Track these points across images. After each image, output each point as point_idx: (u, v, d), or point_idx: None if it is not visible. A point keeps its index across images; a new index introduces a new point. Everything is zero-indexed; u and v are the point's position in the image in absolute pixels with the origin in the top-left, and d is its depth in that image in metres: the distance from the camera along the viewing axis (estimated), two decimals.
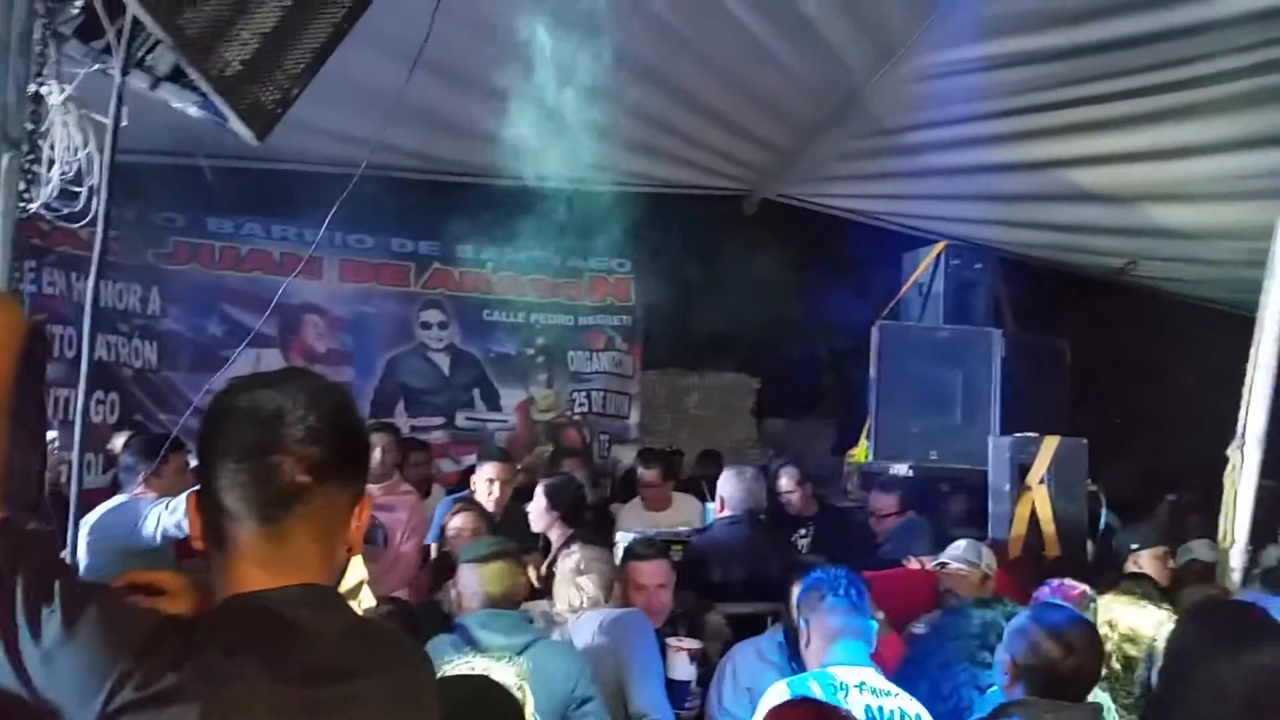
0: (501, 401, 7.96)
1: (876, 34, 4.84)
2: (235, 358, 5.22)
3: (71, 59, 1.98)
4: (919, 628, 3.97)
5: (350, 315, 7.58)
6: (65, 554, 2.10)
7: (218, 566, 1.34)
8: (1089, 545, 5.12)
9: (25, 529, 1.39)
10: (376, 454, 5.23)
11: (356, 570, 2.37)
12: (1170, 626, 2.98)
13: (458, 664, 2.29)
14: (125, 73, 1.89)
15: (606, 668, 3.32)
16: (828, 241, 7.58)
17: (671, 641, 3.55)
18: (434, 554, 4.91)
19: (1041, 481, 5.03)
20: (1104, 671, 3.05)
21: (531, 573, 4.01)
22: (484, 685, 2.11)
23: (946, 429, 6.28)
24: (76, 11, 1.92)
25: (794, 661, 3.45)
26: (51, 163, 1.97)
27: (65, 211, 2.07)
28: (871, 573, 4.74)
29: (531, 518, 4.64)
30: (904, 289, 7.19)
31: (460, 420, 7.81)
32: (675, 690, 3.45)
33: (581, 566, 3.61)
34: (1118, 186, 6.06)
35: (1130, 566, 4.81)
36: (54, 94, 1.93)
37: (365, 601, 2.35)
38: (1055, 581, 3.53)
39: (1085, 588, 3.46)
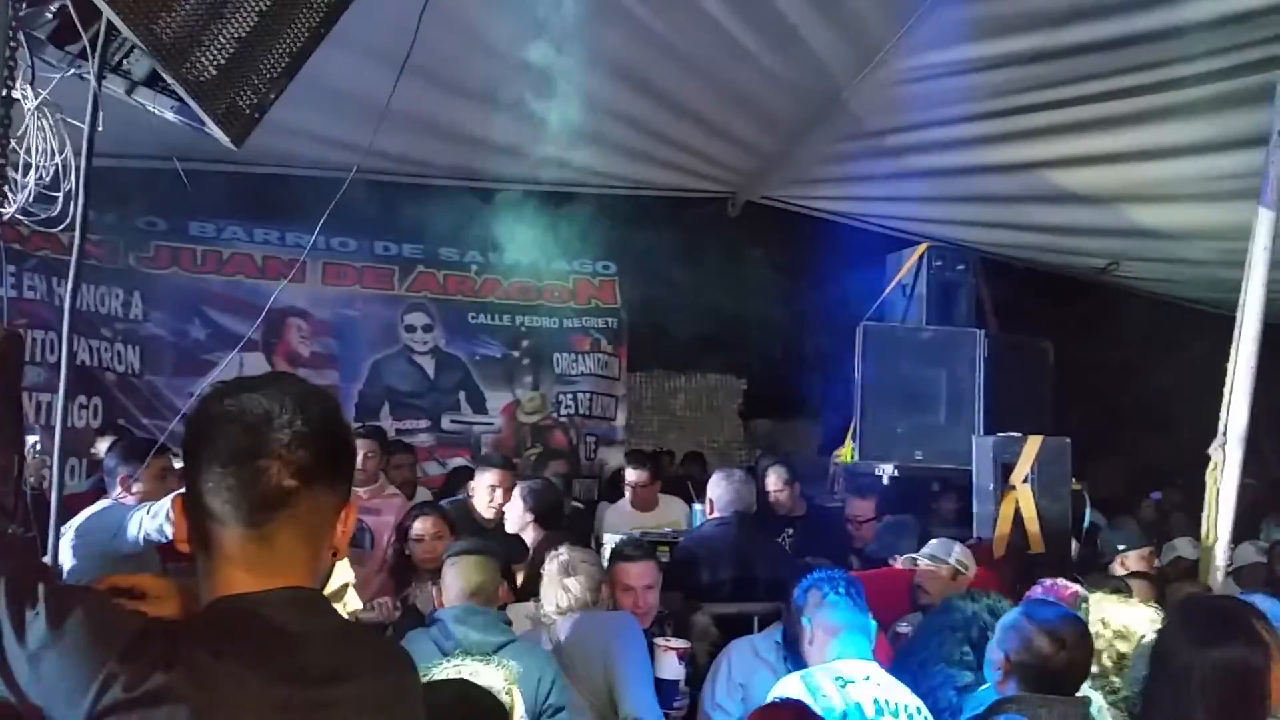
0: (487, 404, 7.96)
1: (857, 36, 4.85)
2: (223, 366, 5.23)
3: (47, 64, 1.97)
4: (903, 627, 3.99)
5: (334, 318, 7.57)
6: (47, 558, 2.09)
7: (204, 569, 1.34)
8: (1073, 544, 5.15)
9: (5, 533, 1.39)
10: (361, 458, 5.23)
11: (342, 573, 2.37)
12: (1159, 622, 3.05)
13: (446, 667, 2.29)
14: (101, 78, 1.88)
15: (595, 669, 3.33)
16: (812, 243, 7.59)
17: (660, 641, 3.55)
18: (389, 556, 4.87)
19: (1025, 480, 5.05)
20: (1094, 669, 3.09)
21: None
22: (467, 690, 2.11)
23: (931, 429, 6.30)
24: (51, 16, 1.91)
25: (790, 661, 3.47)
26: (28, 167, 1.97)
27: (43, 216, 2.06)
28: (856, 572, 4.78)
29: (508, 519, 4.65)
30: (888, 290, 7.21)
31: (446, 423, 7.80)
32: (664, 690, 3.46)
33: (569, 568, 3.60)
34: (1098, 188, 6.10)
35: (1117, 567, 4.85)
36: (29, 99, 1.93)
37: (350, 604, 2.34)
38: (1048, 581, 3.55)
39: (1078, 588, 3.48)
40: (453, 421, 7.84)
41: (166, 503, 3.52)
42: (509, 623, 3.33)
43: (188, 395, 5.10)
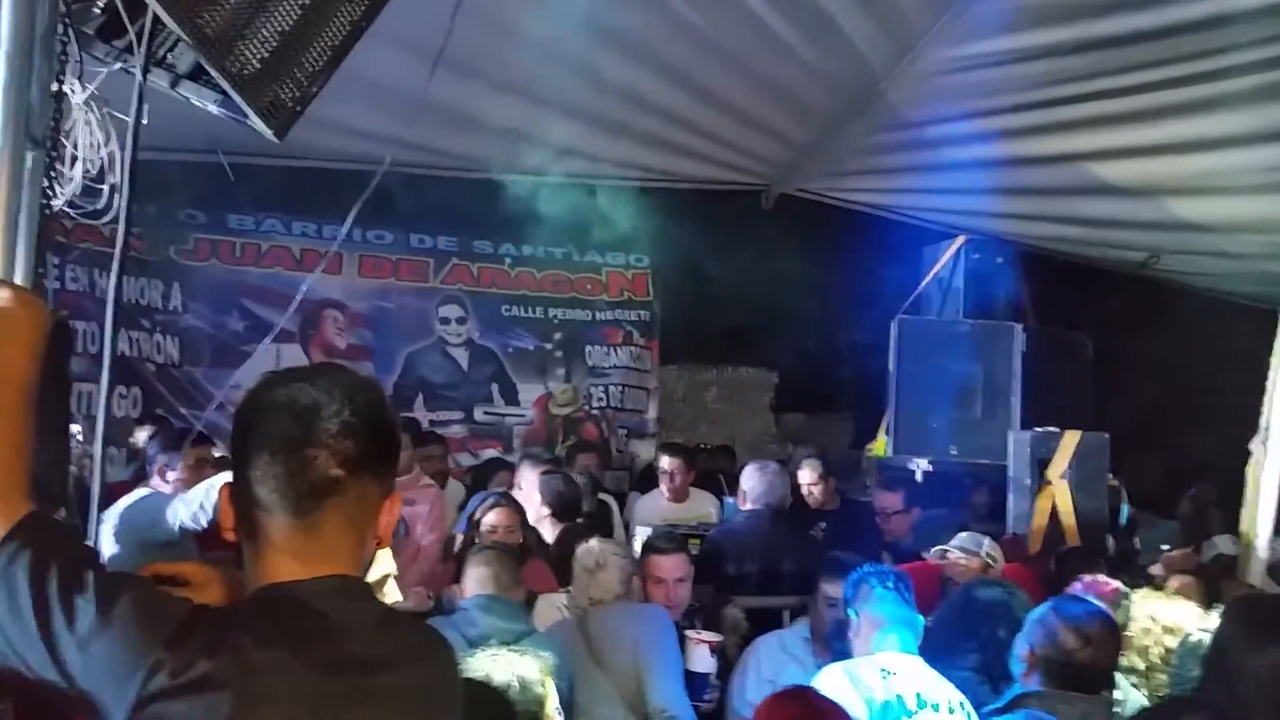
0: (520, 396, 8.00)
1: (895, 27, 4.81)
2: (258, 354, 5.29)
3: (94, 58, 2.00)
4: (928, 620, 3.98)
5: (369, 311, 7.63)
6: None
7: (250, 557, 1.36)
8: (1109, 540, 5.09)
9: (55, 520, 1.42)
10: None
11: (384, 564, 2.39)
12: (1210, 621, 3.01)
13: (481, 657, 2.30)
14: (146, 71, 1.90)
15: (625, 661, 3.34)
16: (846, 236, 7.55)
17: (691, 634, 3.56)
18: (458, 545, 4.92)
19: (1062, 476, 5.01)
20: (1141, 665, 3.06)
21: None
22: (473, 689, 2.10)
23: (966, 423, 6.25)
24: (98, 11, 1.94)
25: (818, 656, 3.46)
26: (74, 161, 1.99)
27: (88, 209, 2.09)
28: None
29: (528, 511, 4.68)
30: (924, 283, 7.16)
31: (479, 415, 7.85)
32: (695, 682, 3.46)
33: (600, 560, 3.62)
34: (1140, 180, 6.01)
35: (1160, 568, 4.80)
36: (77, 93, 1.95)
37: (390, 595, 2.36)
38: (1088, 578, 3.52)
39: (1118, 584, 3.45)
40: (485, 413, 7.89)
41: (201, 491, 3.56)
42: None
43: (226, 386, 5.17)
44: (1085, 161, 5.88)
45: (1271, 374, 4.12)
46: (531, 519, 4.59)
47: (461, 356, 7.87)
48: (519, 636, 3.11)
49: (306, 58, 1.94)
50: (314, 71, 1.96)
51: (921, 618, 3.17)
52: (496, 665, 2.26)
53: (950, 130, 5.75)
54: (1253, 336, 4.57)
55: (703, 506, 5.81)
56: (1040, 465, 5.06)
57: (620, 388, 8.28)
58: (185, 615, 1.25)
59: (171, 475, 4.15)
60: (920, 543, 4.94)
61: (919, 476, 6.00)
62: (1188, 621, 3.13)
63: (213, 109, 2.03)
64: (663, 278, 8.36)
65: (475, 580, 3.38)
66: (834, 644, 3.43)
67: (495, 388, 7.95)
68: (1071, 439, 5.05)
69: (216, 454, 4.31)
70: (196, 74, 2.00)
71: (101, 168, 2.08)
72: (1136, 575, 4.00)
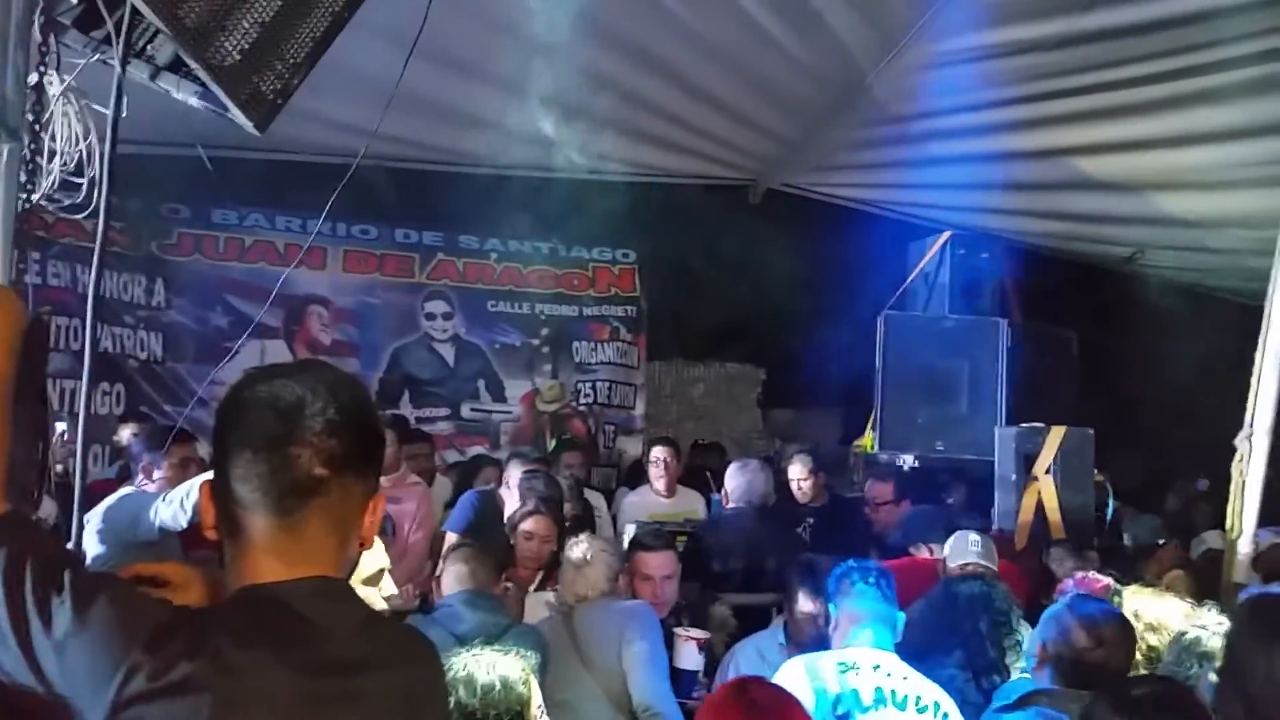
0: (506, 392, 7.96)
1: (881, 22, 4.80)
2: (238, 349, 5.25)
3: (71, 49, 1.97)
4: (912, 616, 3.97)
5: (354, 306, 7.58)
6: (70, 545, 2.10)
7: (231, 557, 1.34)
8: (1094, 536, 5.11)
9: (32, 519, 1.39)
10: None
11: (379, 559, 2.37)
12: (1198, 617, 3.04)
13: (464, 656, 2.29)
14: (125, 63, 1.88)
15: (611, 658, 3.34)
16: (833, 231, 7.54)
17: (679, 631, 3.56)
18: (446, 545, 4.90)
19: (1048, 471, 5.03)
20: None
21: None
22: None
23: (952, 419, 6.27)
24: (76, 2, 1.91)
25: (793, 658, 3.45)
26: (52, 154, 1.97)
27: (67, 203, 2.06)
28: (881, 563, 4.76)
29: (507, 511, 4.68)
30: (910, 278, 7.17)
31: (465, 411, 7.81)
32: (682, 680, 3.46)
33: (587, 557, 3.61)
34: (1125, 175, 6.03)
35: (1152, 564, 4.81)
36: (54, 84, 1.93)
37: (386, 589, 2.35)
38: (1079, 574, 3.52)
39: (1109, 580, 3.45)
40: (472, 410, 7.85)
41: (182, 491, 3.53)
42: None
43: (210, 383, 5.12)
44: (1070, 157, 5.89)
45: (1256, 369, 4.13)
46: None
47: (448, 352, 7.83)
48: (504, 629, 3.17)
49: (287, 49, 1.92)
50: (295, 63, 1.93)
51: (902, 614, 3.17)
52: (479, 665, 2.24)
53: (936, 125, 5.76)
54: (1238, 332, 4.59)
55: (690, 504, 5.80)
56: (1026, 461, 5.07)
57: (608, 384, 8.25)
58: (165, 617, 1.23)
59: (158, 474, 4.11)
60: (909, 538, 4.95)
61: (905, 471, 6.01)
62: (1173, 619, 3.13)
63: (193, 101, 2.01)
64: (650, 273, 8.34)
65: (454, 577, 3.44)
66: (810, 650, 3.42)
67: (482, 384, 7.91)
68: (1057, 434, 5.07)
69: (202, 452, 4.28)
70: (176, 66, 1.98)
71: (80, 161, 2.05)
72: (1125, 570, 4.00)
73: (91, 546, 3.66)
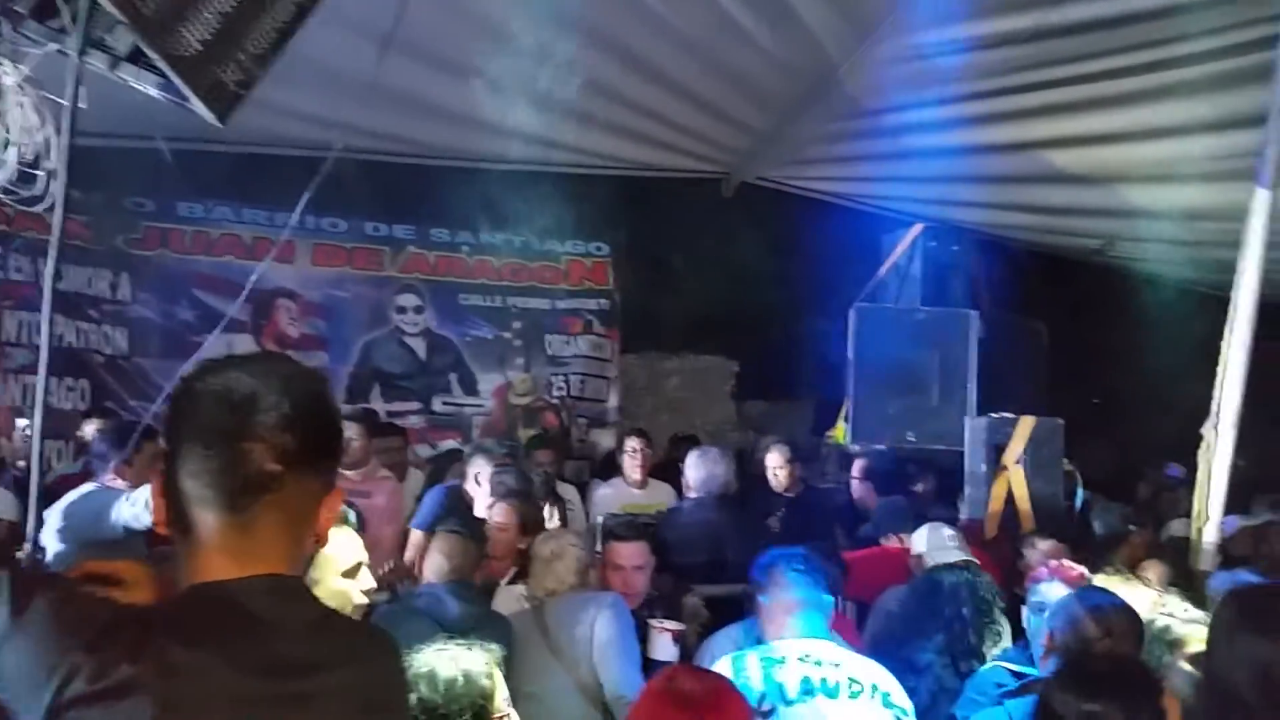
0: (479, 386, 7.91)
1: (853, 14, 4.81)
2: (208, 344, 5.17)
3: (28, 39, 1.93)
4: (892, 604, 3.99)
5: (324, 300, 7.50)
6: (28, 542, 2.06)
7: (182, 554, 1.29)
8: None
9: None
10: (344, 441, 5.20)
11: (356, 551, 2.35)
12: (1166, 604, 3.08)
13: (427, 652, 2.27)
14: (82, 53, 1.84)
15: (582, 650, 3.33)
16: (806, 224, 7.56)
17: (654, 623, 3.55)
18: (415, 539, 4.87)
19: (1018, 462, 5.06)
20: None
21: None
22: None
23: (923, 410, 6.30)
24: None
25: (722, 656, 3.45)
26: (8, 145, 1.93)
27: (24, 194, 2.02)
28: (850, 553, 4.79)
29: (477, 505, 4.66)
30: (882, 271, 7.20)
31: (437, 405, 7.76)
32: (657, 671, 3.45)
33: (556, 550, 3.61)
34: (1094, 168, 6.08)
35: (1123, 549, 4.85)
36: (9, 74, 1.88)
37: (364, 582, 2.32)
38: (1054, 563, 3.54)
39: (1083, 569, 3.48)
40: (444, 404, 7.80)
41: (146, 490, 3.48)
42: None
43: (175, 378, 5.05)
44: (1041, 149, 5.93)
45: (1222, 360, 4.18)
46: (481, 510, 4.55)
47: (419, 346, 7.77)
48: (480, 619, 3.22)
49: (250, 40, 1.88)
50: (258, 54, 1.90)
51: (831, 598, 3.14)
52: (442, 660, 2.22)
53: (907, 118, 5.78)
54: (1205, 322, 4.64)
55: (663, 496, 5.80)
56: (996, 451, 5.10)
57: (580, 377, 8.23)
58: (109, 617, 1.19)
59: (129, 472, 4.03)
60: (879, 529, 4.97)
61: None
62: (1141, 607, 3.16)
63: (153, 92, 1.97)
64: (623, 266, 8.31)
65: (440, 563, 3.45)
66: None
67: (454, 378, 7.86)
68: (1026, 425, 5.10)
69: None
70: (136, 56, 1.94)
71: (38, 153, 2.01)
72: (1095, 559, 4.04)
73: (51, 544, 3.60)
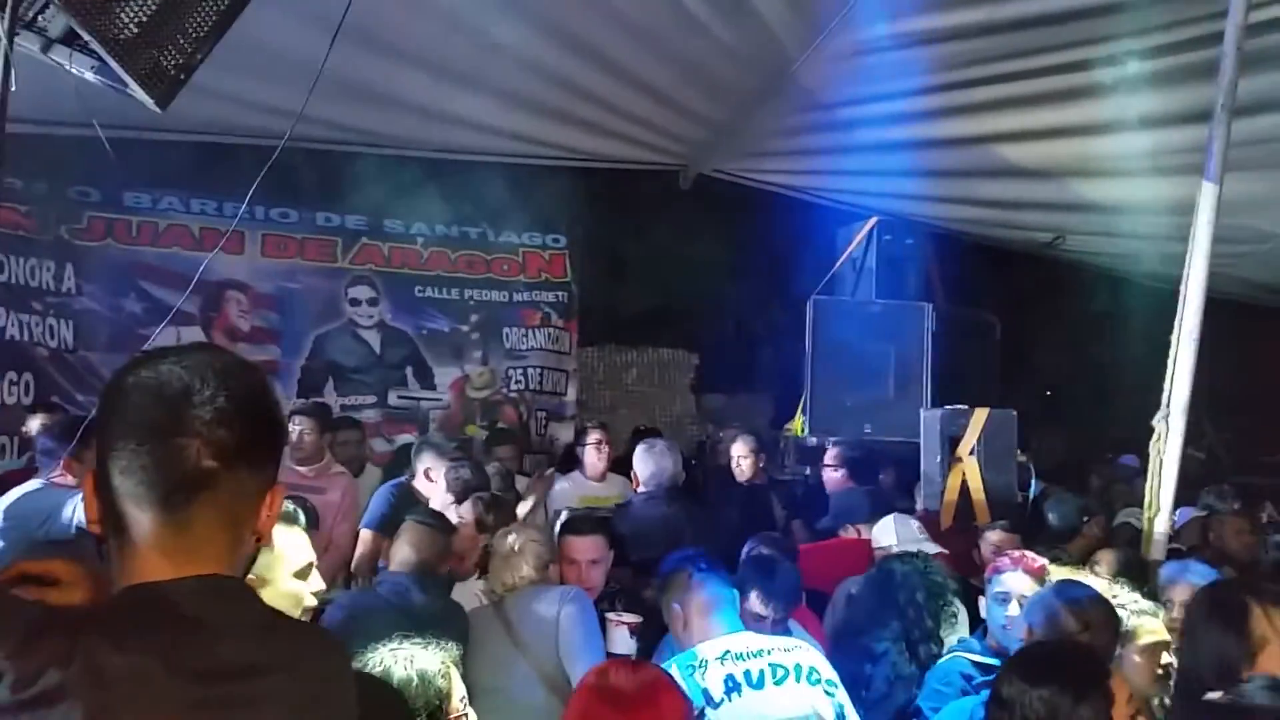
0: (435, 379, 7.83)
1: (807, 7, 4.81)
2: (155, 337, 5.07)
3: None
4: (855, 589, 4.01)
5: (275, 292, 7.37)
6: None
7: (115, 554, 1.24)
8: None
9: None
10: (296, 435, 5.12)
11: (305, 552, 2.30)
12: (1116, 595, 3.12)
13: (382, 652, 2.23)
14: (12, 35, 1.77)
15: (546, 643, 3.31)
16: (763, 217, 7.57)
17: (611, 616, 3.53)
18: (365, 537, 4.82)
19: (972, 453, 5.11)
20: None
21: None
22: (368, 683, 2.02)
23: (879, 402, 6.35)
24: None
25: None
26: None
27: None
28: (807, 544, 4.82)
29: (433, 500, 4.63)
30: (838, 264, 7.23)
31: (393, 399, 7.67)
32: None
33: (517, 546, 3.58)
34: (1045, 162, 6.14)
35: (1077, 540, 4.93)
36: None
37: (314, 584, 2.27)
38: (1016, 554, 3.57)
39: (1045, 561, 3.51)
40: (400, 398, 7.71)
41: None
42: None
43: None
44: (992, 144, 5.98)
45: (1172, 352, 4.24)
46: (438, 505, 4.51)
47: (373, 339, 7.67)
48: (442, 612, 3.31)
49: (189, 22, 1.83)
50: (198, 37, 1.84)
51: (736, 591, 3.17)
52: (396, 660, 2.18)
53: (861, 112, 5.80)
54: (1154, 315, 4.70)
55: (621, 488, 5.79)
56: (951, 442, 5.15)
57: (539, 370, 8.17)
58: (36, 621, 1.13)
59: (74, 466, 3.92)
60: (838, 520, 5.00)
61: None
62: None
63: (89, 76, 1.90)
64: (581, 258, 8.27)
65: (406, 554, 3.51)
66: None
67: (409, 371, 7.77)
68: (980, 416, 5.16)
69: None
70: (70, 39, 1.87)
71: None
72: (1048, 549, 4.09)
73: None
